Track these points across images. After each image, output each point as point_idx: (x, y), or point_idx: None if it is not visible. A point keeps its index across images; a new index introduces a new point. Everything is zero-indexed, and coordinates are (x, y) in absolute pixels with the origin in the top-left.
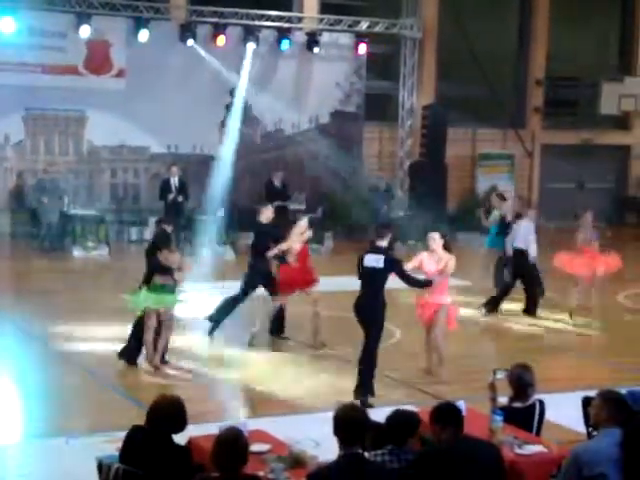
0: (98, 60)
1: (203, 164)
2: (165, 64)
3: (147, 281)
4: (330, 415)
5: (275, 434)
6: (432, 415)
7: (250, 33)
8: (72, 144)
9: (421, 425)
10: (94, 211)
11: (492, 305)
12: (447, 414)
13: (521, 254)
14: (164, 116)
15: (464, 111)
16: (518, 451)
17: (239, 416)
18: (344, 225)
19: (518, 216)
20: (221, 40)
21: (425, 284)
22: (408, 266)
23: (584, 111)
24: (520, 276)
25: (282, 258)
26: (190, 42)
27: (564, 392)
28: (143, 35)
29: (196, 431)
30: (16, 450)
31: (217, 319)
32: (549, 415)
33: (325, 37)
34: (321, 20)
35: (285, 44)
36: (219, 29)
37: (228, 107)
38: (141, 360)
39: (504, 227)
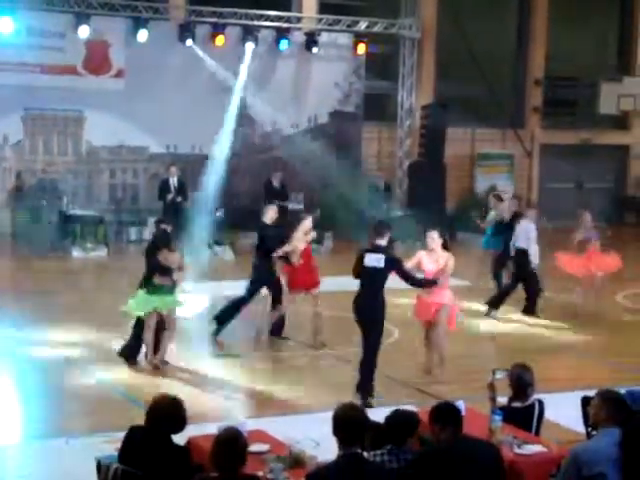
0: (97, 60)
1: (202, 164)
2: (164, 64)
3: (146, 282)
4: (329, 415)
5: (274, 434)
6: (431, 415)
7: (249, 33)
8: (71, 144)
9: (420, 425)
10: (93, 211)
11: (493, 305)
12: (446, 414)
13: (523, 254)
14: (163, 116)
15: (463, 111)
16: (517, 451)
17: (238, 416)
18: (343, 225)
19: (515, 216)
20: (220, 40)
21: (427, 283)
22: (407, 265)
23: (583, 111)
24: (521, 276)
25: (286, 258)
26: (189, 42)
27: (563, 392)
28: (142, 35)
29: (195, 431)
30: (16, 450)
31: (223, 320)
32: (548, 415)
33: (324, 37)
34: (320, 20)
35: (284, 44)
36: (218, 29)
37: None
38: (141, 359)
39: (501, 228)
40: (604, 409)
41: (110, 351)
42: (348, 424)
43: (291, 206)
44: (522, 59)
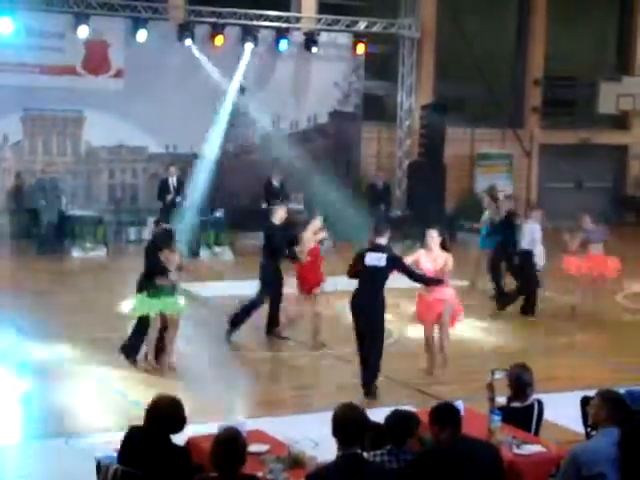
0: (96, 60)
1: (202, 164)
2: (163, 64)
3: (147, 283)
4: (329, 415)
5: (274, 434)
6: (431, 416)
7: (248, 33)
8: (70, 144)
9: (420, 425)
10: (92, 211)
11: (504, 303)
12: (446, 414)
13: (527, 255)
14: (162, 116)
15: (462, 111)
16: (517, 451)
17: (238, 416)
18: (342, 225)
19: (510, 215)
20: (219, 40)
21: (430, 280)
22: (406, 262)
23: (582, 111)
24: (525, 277)
25: (294, 258)
26: (188, 42)
27: (563, 392)
28: (141, 35)
29: (195, 431)
30: (15, 451)
31: (235, 322)
32: (548, 415)
33: (323, 37)
34: (319, 20)
35: (283, 44)
36: (217, 29)
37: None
38: (140, 359)
39: (496, 227)
40: (604, 409)
41: (109, 351)
42: (348, 424)
43: (291, 206)
44: (521, 59)
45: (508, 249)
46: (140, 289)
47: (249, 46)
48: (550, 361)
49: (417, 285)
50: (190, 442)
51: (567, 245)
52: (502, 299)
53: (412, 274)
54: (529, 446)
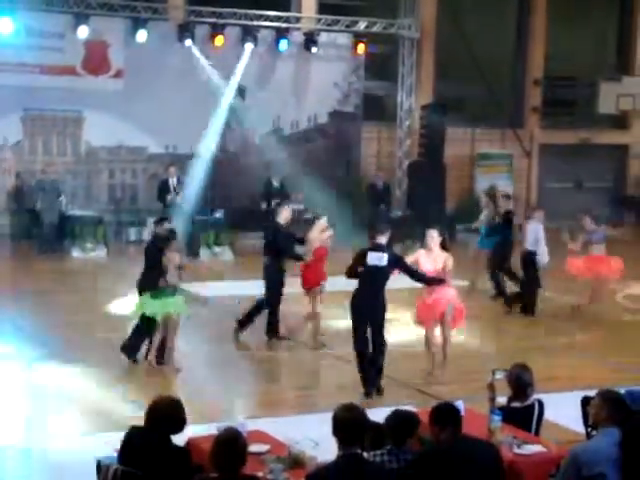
0: (96, 60)
1: (202, 164)
2: (163, 64)
3: (149, 283)
4: (329, 415)
5: (274, 434)
6: (431, 416)
7: (248, 33)
8: (70, 145)
9: (420, 425)
10: (92, 212)
11: (517, 301)
12: (446, 415)
13: (530, 256)
14: (162, 116)
15: (462, 111)
16: (517, 451)
17: (238, 416)
18: (342, 225)
19: (507, 215)
20: (219, 40)
21: (431, 280)
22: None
23: (582, 111)
24: (529, 277)
25: (300, 258)
26: (188, 42)
27: (563, 392)
28: (141, 35)
29: (195, 432)
30: (15, 451)
31: (244, 323)
32: (548, 415)
33: (323, 37)
34: (319, 20)
35: (283, 44)
36: (217, 29)
37: (228, 107)
38: (140, 359)
39: (494, 227)
40: (604, 409)
41: (109, 351)
42: (348, 424)
43: (291, 206)
44: (521, 59)
45: (506, 249)
46: (141, 289)
47: (249, 46)
48: (550, 361)
49: (418, 285)
50: (190, 442)
51: (567, 245)
52: (515, 299)
53: (413, 274)
54: (529, 446)
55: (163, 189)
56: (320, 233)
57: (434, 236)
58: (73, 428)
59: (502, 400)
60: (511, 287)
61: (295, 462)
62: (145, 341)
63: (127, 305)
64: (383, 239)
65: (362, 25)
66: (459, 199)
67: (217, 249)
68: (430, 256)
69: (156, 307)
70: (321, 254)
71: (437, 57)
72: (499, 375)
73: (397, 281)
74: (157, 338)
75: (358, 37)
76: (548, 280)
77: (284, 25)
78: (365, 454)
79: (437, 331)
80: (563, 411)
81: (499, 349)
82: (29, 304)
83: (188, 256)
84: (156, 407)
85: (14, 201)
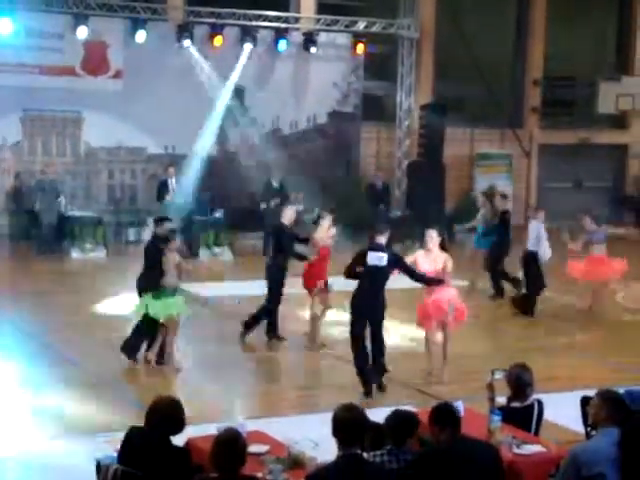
0: (95, 61)
1: (201, 165)
2: (162, 65)
3: (150, 284)
4: (329, 416)
5: (274, 435)
6: (431, 416)
7: (247, 34)
8: (69, 145)
9: (420, 425)
10: (92, 212)
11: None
12: (446, 415)
13: (531, 256)
14: (161, 117)
15: (462, 111)
16: (516, 451)
17: (238, 417)
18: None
19: (505, 214)
20: (218, 41)
21: (430, 280)
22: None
23: (581, 110)
24: (531, 277)
25: (304, 257)
26: (186, 43)
27: (563, 392)
28: (140, 36)
29: (194, 432)
30: (14, 450)
31: (249, 325)
32: (547, 415)
33: (322, 37)
34: (318, 20)
35: (282, 44)
36: (216, 30)
37: (227, 107)
38: (140, 359)
39: (491, 227)
40: (604, 409)
41: (109, 351)
42: (347, 425)
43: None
44: (521, 59)
45: (503, 249)
46: (141, 289)
47: (248, 46)
48: (549, 361)
49: (419, 285)
50: (190, 443)
51: (567, 246)
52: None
53: (413, 274)
54: (529, 446)
55: (162, 190)
56: (326, 232)
57: (433, 237)
58: (73, 428)
59: (502, 400)
60: (511, 289)
61: (295, 463)
62: (145, 341)
63: (127, 305)
64: (382, 239)
65: (361, 25)
66: (458, 199)
67: (217, 249)
68: (429, 257)
69: (158, 308)
70: (324, 254)
71: (436, 57)
72: (498, 375)
73: (397, 281)
74: (159, 339)
75: (357, 37)
76: (548, 280)
77: (283, 25)
78: (365, 454)
79: (438, 334)
80: (563, 411)
81: (498, 349)
82: (28, 305)
83: (187, 257)
84: (156, 407)
85: (13, 201)
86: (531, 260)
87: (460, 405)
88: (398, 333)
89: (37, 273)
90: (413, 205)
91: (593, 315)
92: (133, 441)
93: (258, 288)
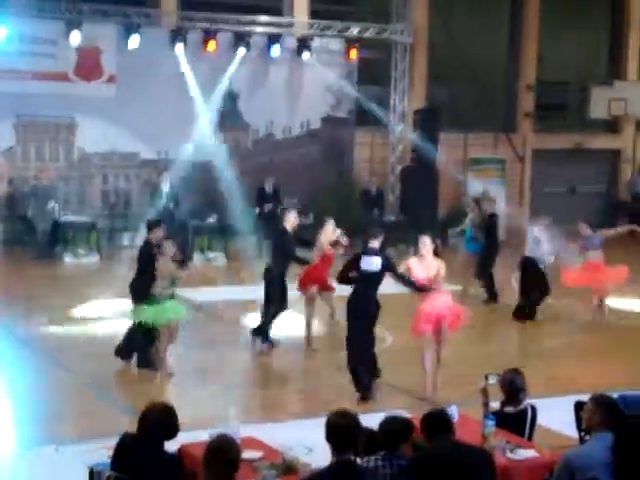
0: (89, 66)
1: (194, 170)
2: (156, 70)
3: (145, 290)
4: (322, 421)
5: (267, 441)
6: (423, 423)
7: (241, 39)
8: (63, 151)
9: (414, 431)
10: (85, 217)
11: (528, 316)
12: (439, 422)
13: (528, 262)
14: (155, 122)
15: (455, 116)
16: (510, 456)
17: (231, 423)
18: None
19: (491, 217)
20: (212, 46)
21: (420, 288)
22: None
23: (574, 115)
24: (533, 282)
25: (306, 262)
26: (178, 50)
27: (556, 397)
28: (134, 41)
29: (187, 438)
30: (6, 459)
31: (259, 332)
32: (541, 420)
33: (316, 42)
34: (311, 25)
35: (276, 50)
36: (210, 35)
37: (220, 112)
38: (133, 364)
39: (480, 231)
40: (597, 414)
41: (102, 357)
42: (341, 430)
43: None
44: (514, 63)
45: (492, 252)
46: (134, 294)
47: (241, 51)
48: (543, 366)
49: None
50: (183, 449)
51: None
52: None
53: (404, 280)
54: (523, 451)
55: (156, 195)
56: (331, 235)
57: (427, 243)
58: (65, 434)
59: (495, 405)
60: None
61: (289, 469)
62: (138, 345)
63: (119, 310)
64: (376, 243)
65: (355, 30)
66: (452, 204)
67: (210, 254)
68: (423, 263)
69: (152, 314)
70: (327, 259)
71: (430, 62)
72: (492, 380)
73: (397, 286)
74: (162, 344)
75: (351, 42)
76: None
77: (276, 31)
78: (359, 460)
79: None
80: (556, 416)
81: (492, 354)
82: (21, 309)
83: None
84: (149, 414)
85: (6, 207)
86: (529, 266)
87: (454, 410)
88: (393, 338)
89: (30, 278)
90: (407, 210)
91: (585, 320)
92: (126, 448)
93: (252, 293)
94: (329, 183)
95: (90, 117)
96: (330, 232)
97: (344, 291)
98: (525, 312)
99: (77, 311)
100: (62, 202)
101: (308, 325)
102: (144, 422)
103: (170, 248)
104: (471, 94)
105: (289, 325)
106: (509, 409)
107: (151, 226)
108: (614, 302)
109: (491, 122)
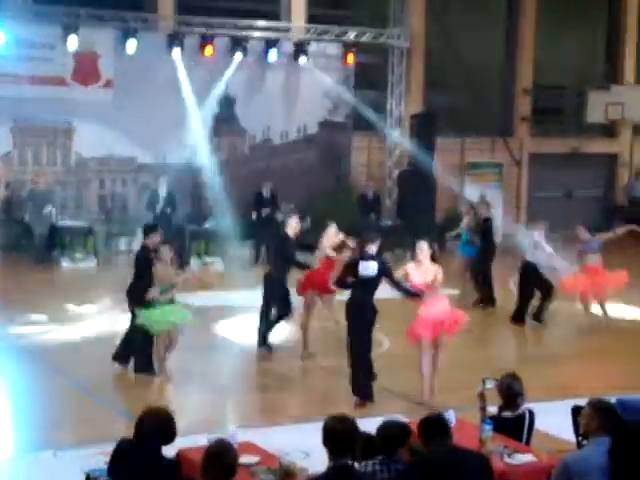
0: (86, 71)
1: (191, 175)
2: (153, 74)
3: (137, 293)
4: (320, 426)
5: (264, 445)
6: (420, 428)
7: (238, 43)
8: (60, 155)
9: (411, 435)
10: (82, 222)
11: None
12: (436, 426)
13: (528, 266)
14: (152, 127)
15: (452, 120)
16: (508, 461)
17: (228, 427)
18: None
19: (486, 221)
20: (209, 50)
21: (415, 294)
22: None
23: (571, 120)
24: (535, 286)
25: (307, 267)
26: (175, 55)
27: (554, 401)
28: (131, 46)
29: (185, 443)
30: (3, 464)
31: (262, 340)
32: (539, 424)
33: (313, 47)
34: (309, 30)
35: (273, 54)
36: (207, 39)
37: (217, 117)
38: (130, 369)
39: (475, 235)
40: (595, 419)
41: (99, 362)
42: (338, 435)
43: (281, 217)
44: (510, 68)
45: (487, 255)
46: (130, 299)
47: (238, 56)
48: (540, 370)
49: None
50: (180, 454)
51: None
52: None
53: (398, 286)
54: (520, 456)
55: (152, 200)
56: (333, 239)
57: (424, 248)
58: (64, 439)
59: (493, 409)
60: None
61: (286, 473)
62: (136, 349)
63: (116, 315)
64: (373, 248)
65: (352, 35)
66: (449, 208)
67: (208, 259)
68: (420, 269)
69: (155, 318)
70: (328, 264)
71: (426, 67)
72: (489, 384)
73: (389, 290)
74: (160, 349)
75: (348, 47)
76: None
77: (274, 35)
78: (356, 464)
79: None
80: (554, 420)
81: (489, 358)
82: (18, 314)
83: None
84: (146, 419)
85: (3, 212)
86: (528, 270)
87: (452, 414)
88: (391, 343)
89: (27, 282)
90: (404, 214)
91: (583, 324)
92: (123, 454)
93: (249, 298)
94: (326, 188)
95: (87, 122)
96: (332, 236)
97: (345, 295)
98: (518, 315)
99: (74, 316)
100: (59, 206)
101: (305, 329)
102: (141, 427)
103: (167, 253)
104: (468, 98)
105: (286, 329)
106: (507, 414)
107: (148, 231)
108: (612, 307)
109: (488, 126)
